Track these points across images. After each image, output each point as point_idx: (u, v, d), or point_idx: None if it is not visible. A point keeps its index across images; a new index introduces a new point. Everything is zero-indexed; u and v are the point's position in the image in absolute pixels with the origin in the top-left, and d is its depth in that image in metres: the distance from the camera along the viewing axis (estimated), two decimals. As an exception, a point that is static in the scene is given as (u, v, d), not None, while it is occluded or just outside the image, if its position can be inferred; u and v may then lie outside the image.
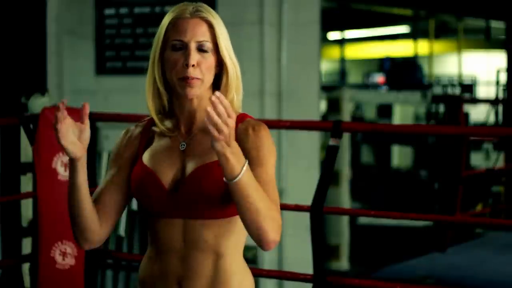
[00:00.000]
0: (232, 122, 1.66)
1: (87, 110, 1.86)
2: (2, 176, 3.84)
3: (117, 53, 5.83)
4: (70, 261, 3.50)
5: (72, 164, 1.87)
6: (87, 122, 1.86)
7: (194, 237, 1.84)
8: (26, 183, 3.92)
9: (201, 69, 1.84)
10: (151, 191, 1.86)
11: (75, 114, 3.74)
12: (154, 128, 1.94)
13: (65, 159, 3.49)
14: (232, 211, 1.83)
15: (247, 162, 1.73)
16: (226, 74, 1.88)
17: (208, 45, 1.84)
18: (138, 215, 4.73)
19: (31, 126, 3.57)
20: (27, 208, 3.90)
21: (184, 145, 1.89)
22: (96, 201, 1.93)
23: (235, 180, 1.71)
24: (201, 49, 1.84)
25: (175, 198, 1.84)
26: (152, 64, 1.89)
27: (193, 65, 1.82)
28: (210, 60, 1.85)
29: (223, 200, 1.81)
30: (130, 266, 4.91)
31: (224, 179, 1.73)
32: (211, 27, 1.85)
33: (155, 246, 1.90)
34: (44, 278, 3.49)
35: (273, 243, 1.78)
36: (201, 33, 1.84)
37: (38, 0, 5.72)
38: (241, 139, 1.83)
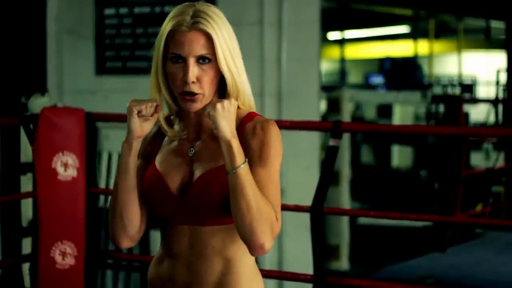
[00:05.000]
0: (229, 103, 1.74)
1: (160, 110, 1.85)
2: (2, 176, 3.83)
3: (117, 53, 5.83)
4: (70, 261, 3.50)
5: (128, 144, 1.83)
6: (155, 116, 1.84)
7: (201, 244, 1.83)
8: (26, 183, 3.91)
9: (201, 83, 1.80)
10: (159, 196, 1.85)
11: (75, 114, 3.75)
12: None
13: (65, 159, 3.49)
14: None
15: (247, 160, 1.74)
16: (227, 83, 1.84)
17: (208, 57, 1.79)
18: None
19: (31, 126, 3.57)
20: (27, 208, 3.90)
21: (192, 151, 1.87)
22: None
23: (234, 171, 1.72)
24: (201, 62, 1.80)
25: (182, 203, 1.83)
26: (156, 73, 1.85)
27: (192, 82, 1.79)
28: (210, 72, 1.80)
29: (230, 205, 1.79)
30: (130, 266, 4.90)
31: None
32: (210, 38, 1.78)
33: (164, 249, 1.90)
34: (44, 278, 3.49)
35: (262, 249, 1.73)
36: (199, 48, 1.78)
37: (38, 0, 5.72)
38: (248, 136, 1.81)
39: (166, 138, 1.93)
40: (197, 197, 1.81)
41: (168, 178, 1.85)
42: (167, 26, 1.81)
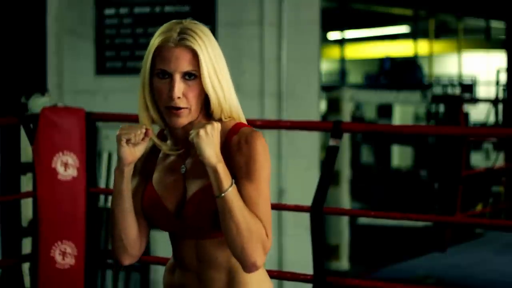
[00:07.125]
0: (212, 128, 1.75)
1: (150, 134, 1.86)
2: (2, 176, 3.83)
3: (117, 53, 5.83)
4: (70, 261, 3.50)
5: (119, 171, 1.86)
6: (146, 140, 1.85)
7: (206, 255, 1.87)
8: (26, 183, 3.92)
9: (187, 98, 1.81)
10: (158, 216, 1.89)
11: (75, 114, 3.75)
12: None
13: (65, 158, 3.49)
14: None
15: (233, 182, 1.76)
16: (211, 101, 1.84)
17: (194, 73, 1.80)
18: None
19: (31, 126, 3.57)
20: (27, 208, 3.90)
21: (184, 168, 1.88)
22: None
23: (222, 195, 1.74)
24: (187, 78, 1.80)
25: (180, 222, 1.86)
26: (142, 89, 1.87)
27: (178, 97, 1.79)
28: (196, 88, 1.81)
29: None
30: (130, 266, 4.91)
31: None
32: (196, 54, 1.79)
33: (175, 259, 1.94)
34: (44, 278, 3.49)
35: (254, 266, 1.79)
36: (185, 64, 1.79)
37: (38, 0, 5.72)
38: (234, 152, 1.82)
39: (161, 154, 1.94)
40: (192, 216, 1.84)
41: (164, 198, 1.88)
42: (154, 42, 1.83)
